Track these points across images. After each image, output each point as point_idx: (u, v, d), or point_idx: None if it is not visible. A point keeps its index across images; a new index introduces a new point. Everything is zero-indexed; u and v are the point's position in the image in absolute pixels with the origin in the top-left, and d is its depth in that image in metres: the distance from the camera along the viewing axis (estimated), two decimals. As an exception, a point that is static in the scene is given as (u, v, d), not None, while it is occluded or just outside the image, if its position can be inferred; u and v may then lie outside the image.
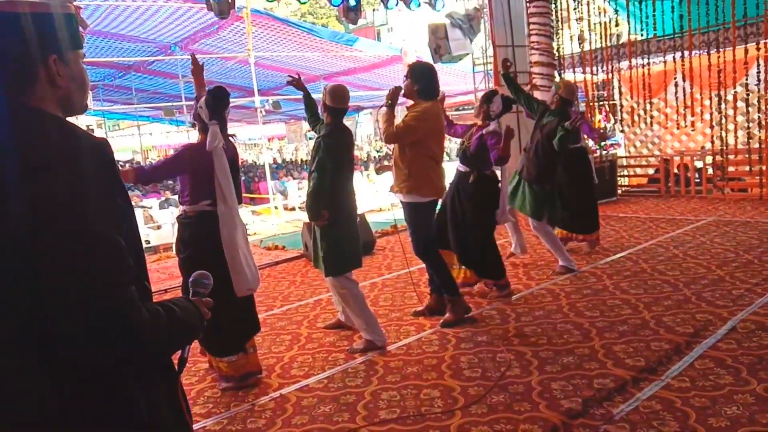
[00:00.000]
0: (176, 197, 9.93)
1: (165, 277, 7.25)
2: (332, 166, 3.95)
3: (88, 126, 23.25)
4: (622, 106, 11.43)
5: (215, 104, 3.54)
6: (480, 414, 3.05)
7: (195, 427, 3.17)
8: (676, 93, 9.68)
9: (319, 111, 4.42)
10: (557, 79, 9.61)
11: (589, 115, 10.63)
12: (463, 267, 5.01)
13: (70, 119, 1.20)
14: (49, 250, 1.02)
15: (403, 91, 4.28)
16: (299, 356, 4.12)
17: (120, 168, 3.28)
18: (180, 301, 1.28)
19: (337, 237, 4.02)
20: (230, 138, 3.75)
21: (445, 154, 4.92)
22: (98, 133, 23.40)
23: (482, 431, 2.87)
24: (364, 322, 4.07)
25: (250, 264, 3.57)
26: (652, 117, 10.81)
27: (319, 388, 3.56)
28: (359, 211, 8.70)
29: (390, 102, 4.22)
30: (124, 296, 1.07)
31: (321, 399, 3.41)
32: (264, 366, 3.92)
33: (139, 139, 22.51)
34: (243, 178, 19.44)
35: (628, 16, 10.99)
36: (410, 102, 4.46)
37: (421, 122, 4.18)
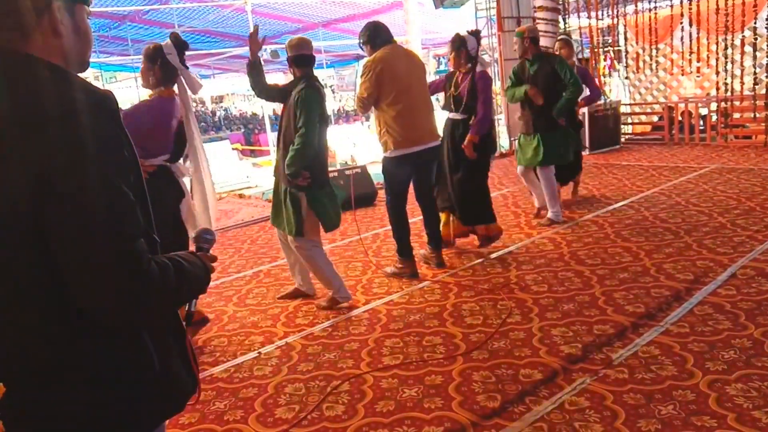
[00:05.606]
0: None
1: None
2: (317, 119, 3.76)
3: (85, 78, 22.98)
4: (627, 52, 11.20)
5: (182, 47, 3.38)
6: (481, 359, 3.11)
7: (203, 375, 3.24)
8: (682, 38, 9.48)
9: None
10: (561, 24, 9.41)
11: (593, 62, 10.44)
12: (452, 219, 5.01)
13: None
14: (58, 203, 1.02)
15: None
16: (303, 305, 4.17)
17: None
18: (187, 255, 1.29)
19: (323, 196, 3.92)
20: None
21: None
22: (96, 85, 23.13)
23: (483, 376, 2.93)
24: (331, 279, 4.02)
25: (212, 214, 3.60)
26: (657, 63, 10.61)
27: (323, 336, 3.62)
28: (361, 162, 8.64)
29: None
30: (134, 248, 1.07)
31: (325, 346, 3.47)
32: (269, 315, 4.00)
33: (137, 91, 22.24)
34: (242, 130, 19.27)
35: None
36: None
37: (368, 76, 4.12)
